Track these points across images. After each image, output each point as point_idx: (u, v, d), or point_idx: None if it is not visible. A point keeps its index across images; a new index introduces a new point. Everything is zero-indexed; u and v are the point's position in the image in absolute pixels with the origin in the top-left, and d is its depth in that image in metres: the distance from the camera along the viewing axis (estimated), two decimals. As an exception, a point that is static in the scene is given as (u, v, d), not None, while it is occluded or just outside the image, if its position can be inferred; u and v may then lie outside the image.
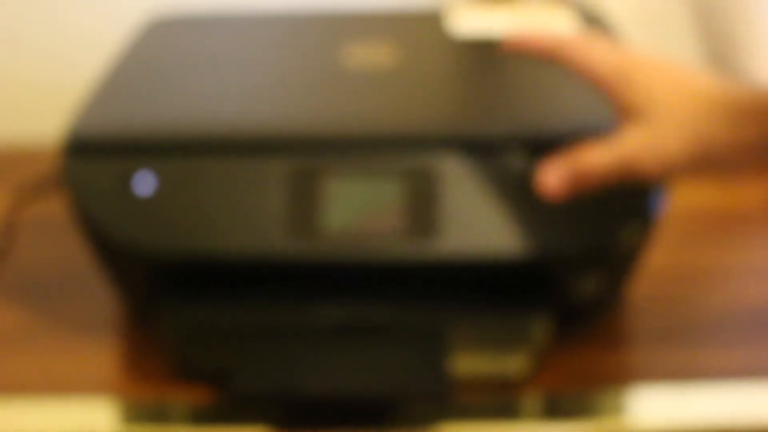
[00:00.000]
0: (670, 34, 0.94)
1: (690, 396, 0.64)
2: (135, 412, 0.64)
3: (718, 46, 0.92)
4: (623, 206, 0.63)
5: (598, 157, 0.56)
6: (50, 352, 0.69)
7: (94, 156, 0.65)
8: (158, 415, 0.64)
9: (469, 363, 0.64)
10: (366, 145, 0.65)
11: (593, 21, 0.82)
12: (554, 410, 0.64)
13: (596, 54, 0.58)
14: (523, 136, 0.64)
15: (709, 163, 0.55)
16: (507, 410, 0.64)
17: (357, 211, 0.64)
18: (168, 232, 0.63)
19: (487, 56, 0.78)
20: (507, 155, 0.64)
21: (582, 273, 0.65)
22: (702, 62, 0.94)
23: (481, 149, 0.65)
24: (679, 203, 0.72)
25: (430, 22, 0.83)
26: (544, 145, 0.64)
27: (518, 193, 0.63)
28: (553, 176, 0.57)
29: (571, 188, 0.56)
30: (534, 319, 0.64)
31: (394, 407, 0.63)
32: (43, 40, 1.02)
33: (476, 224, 0.63)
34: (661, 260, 0.75)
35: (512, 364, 0.64)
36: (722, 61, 0.93)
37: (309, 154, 0.65)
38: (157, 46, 0.80)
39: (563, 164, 0.57)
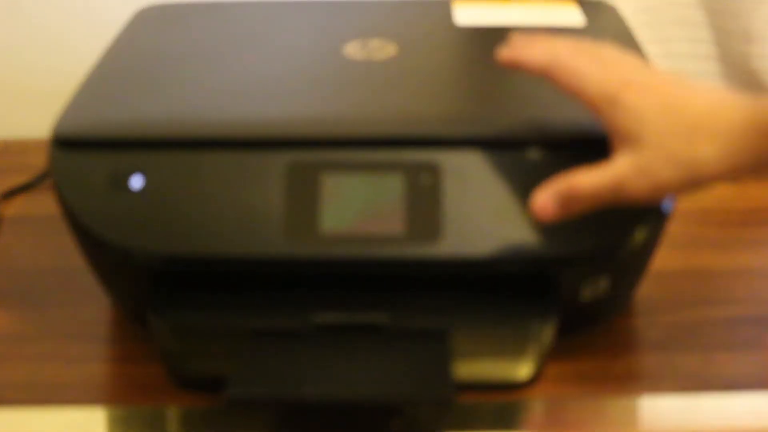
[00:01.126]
0: (679, 27, 0.93)
1: (700, 403, 0.64)
2: (129, 420, 0.64)
3: (730, 38, 0.91)
4: (633, 208, 0.61)
5: (589, 180, 0.57)
6: (39, 359, 0.68)
7: (82, 151, 0.64)
8: (152, 422, 0.63)
9: (473, 367, 0.63)
10: (367, 141, 0.64)
11: (603, 13, 0.81)
12: (559, 416, 0.63)
13: (587, 75, 0.58)
14: (530, 132, 0.64)
15: (699, 184, 0.56)
16: (511, 416, 0.63)
17: (357, 210, 0.62)
18: (159, 230, 0.62)
19: (493, 49, 0.77)
20: (514, 152, 0.63)
21: (589, 275, 0.64)
22: (713, 54, 0.93)
23: (486, 146, 0.63)
24: (689, 204, 0.71)
25: (435, 13, 0.82)
26: (552, 141, 0.63)
27: (525, 192, 0.62)
28: (546, 197, 0.57)
29: (563, 210, 0.57)
30: (539, 323, 0.63)
31: (396, 413, 0.62)
32: (39, 33, 1.01)
33: (481, 224, 0.62)
34: (670, 262, 0.74)
35: (517, 369, 0.63)
36: (733, 52, 0.92)
37: (307, 150, 0.63)
38: (147, 36, 0.80)
39: (556, 185, 0.58)
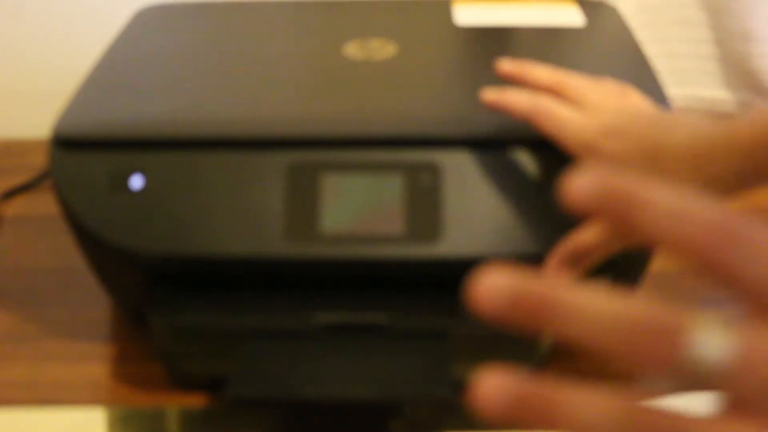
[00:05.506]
0: (679, 27, 0.93)
1: (700, 403, 0.62)
2: (129, 420, 0.63)
3: (730, 38, 0.91)
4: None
5: (590, 233, 0.59)
6: (39, 359, 0.68)
7: (82, 151, 0.64)
8: (152, 422, 0.63)
9: (473, 367, 0.62)
10: (367, 141, 0.63)
11: (603, 13, 0.81)
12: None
13: (566, 122, 0.60)
14: (530, 132, 0.63)
15: None
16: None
17: (357, 210, 0.62)
18: (159, 231, 0.62)
19: (493, 49, 0.77)
20: (513, 152, 0.63)
21: (589, 275, 0.63)
22: (713, 54, 0.93)
23: (486, 146, 0.63)
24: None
25: (435, 13, 0.82)
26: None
27: (524, 192, 0.62)
28: (554, 264, 0.60)
29: (575, 268, 0.60)
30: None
31: (396, 413, 0.62)
32: (40, 33, 1.00)
33: (481, 224, 0.62)
34: (670, 262, 0.73)
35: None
36: (733, 52, 0.92)
37: (307, 150, 0.63)
38: (147, 36, 0.79)
39: (561, 249, 0.60)
